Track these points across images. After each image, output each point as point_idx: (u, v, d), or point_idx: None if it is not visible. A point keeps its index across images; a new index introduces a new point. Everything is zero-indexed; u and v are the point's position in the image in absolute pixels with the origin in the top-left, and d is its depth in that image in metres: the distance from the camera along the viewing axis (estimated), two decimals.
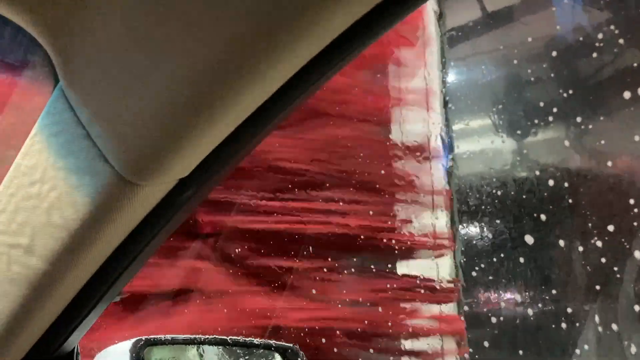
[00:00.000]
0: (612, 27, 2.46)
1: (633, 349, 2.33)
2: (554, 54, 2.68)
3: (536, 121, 2.65)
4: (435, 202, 3.07)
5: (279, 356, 1.38)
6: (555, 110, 2.58)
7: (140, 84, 0.58)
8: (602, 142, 2.49)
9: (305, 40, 0.54)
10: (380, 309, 2.96)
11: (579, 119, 2.50)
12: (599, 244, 2.40)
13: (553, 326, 2.56)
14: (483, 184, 2.85)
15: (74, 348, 0.86)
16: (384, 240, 3.01)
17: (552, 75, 2.67)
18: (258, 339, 1.38)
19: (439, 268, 3.01)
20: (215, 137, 0.63)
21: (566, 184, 2.53)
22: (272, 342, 1.40)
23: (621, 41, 2.43)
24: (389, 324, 2.96)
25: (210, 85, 0.57)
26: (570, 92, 2.56)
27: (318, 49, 0.56)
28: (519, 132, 2.76)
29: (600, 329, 2.43)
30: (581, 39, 2.60)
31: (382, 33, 0.58)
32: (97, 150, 0.64)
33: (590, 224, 2.44)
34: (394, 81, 3.22)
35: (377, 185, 3.04)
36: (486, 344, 2.78)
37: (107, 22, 0.57)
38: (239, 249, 2.98)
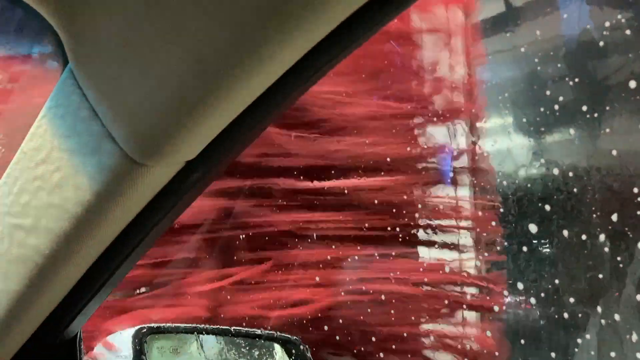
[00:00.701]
0: (619, 16, 2.45)
1: (634, 338, 2.33)
2: (560, 44, 2.67)
3: (542, 109, 2.64)
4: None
5: (279, 347, 1.38)
6: (561, 99, 2.58)
7: (150, 64, 0.58)
8: (607, 130, 2.48)
9: (316, 20, 0.53)
10: None
11: (584, 108, 2.49)
12: (602, 234, 2.40)
13: (555, 316, 2.57)
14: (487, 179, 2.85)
15: (77, 333, 0.86)
16: None
17: (559, 65, 2.66)
18: (260, 330, 1.38)
19: None
20: (224, 119, 0.62)
21: (571, 174, 2.52)
22: (274, 333, 1.40)
23: (628, 32, 2.43)
24: None
25: (219, 67, 0.56)
26: (576, 80, 2.55)
27: (329, 30, 0.55)
28: (524, 120, 2.75)
29: (602, 319, 2.43)
30: (587, 26, 2.59)
31: (397, 13, 0.57)
32: (105, 130, 0.63)
33: (594, 214, 2.44)
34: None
35: None
36: (488, 332, 2.78)
37: (119, 3, 0.56)
38: None
